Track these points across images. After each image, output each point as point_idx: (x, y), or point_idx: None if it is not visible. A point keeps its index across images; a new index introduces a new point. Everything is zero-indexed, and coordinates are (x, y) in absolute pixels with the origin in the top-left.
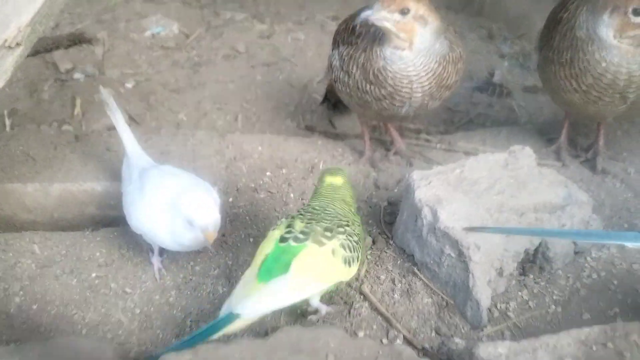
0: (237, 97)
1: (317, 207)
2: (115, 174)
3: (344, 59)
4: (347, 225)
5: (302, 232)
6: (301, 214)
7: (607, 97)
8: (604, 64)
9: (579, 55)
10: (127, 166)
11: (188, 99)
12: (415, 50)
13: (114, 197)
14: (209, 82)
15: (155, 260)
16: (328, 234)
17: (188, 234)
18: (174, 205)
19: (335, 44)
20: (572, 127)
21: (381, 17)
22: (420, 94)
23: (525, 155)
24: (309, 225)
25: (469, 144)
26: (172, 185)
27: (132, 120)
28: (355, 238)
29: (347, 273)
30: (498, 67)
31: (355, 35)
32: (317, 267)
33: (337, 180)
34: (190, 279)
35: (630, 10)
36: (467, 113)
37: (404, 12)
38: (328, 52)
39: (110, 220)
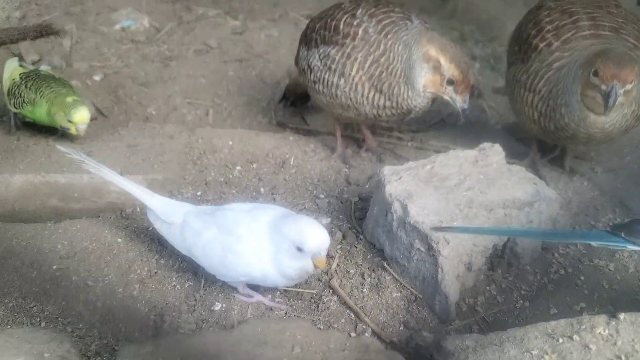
0: (208, 92)
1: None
2: (79, 167)
3: (334, 59)
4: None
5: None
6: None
7: (565, 140)
8: (566, 119)
9: (552, 93)
10: (167, 224)
11: (158, 93)
12: None
13: (78, 190)
14: (179, 77)
15: (261, 298)
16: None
17: (294, 263)
18: (277, 234)
19: (312, 43)
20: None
21: None
22: (421, 112)
23: (494, 152)
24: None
25: (440, 143)
26: (265, 218)
27: (100, 114)
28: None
29: (6, 100)
30: (470, 68)
31: (342, 35)
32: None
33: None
34: (156, 273)
35: (592, 71)
36: (439, 112)
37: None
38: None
39: (74, 212)
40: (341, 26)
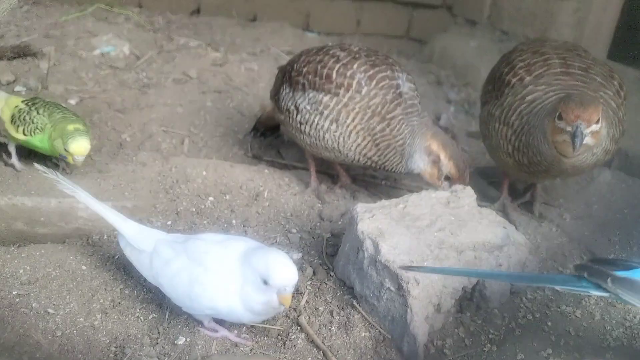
0: (184, 121)
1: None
2: (48, 190)
3: (328, 105)
4: (36, 111)
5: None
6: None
7: (539, 174)
8: (539, 157)
9: (524, 130)
10: (138, 251)
11: (133, 120)
12: None
13: (45, 214)
14: (156, 105)
15: (227, 333)
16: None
17: (259, 297)
18: (245, 265)
19: (298, 86)
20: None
21: None
22: None
23: (466, 194)
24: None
25: (413, 182)
26: (237, 250)
27: None
28: (33, 121)
29: (10, 129)
30: (445, 111)
31: (335, 85)
32: None
33: None
34: (119, 303)
35: (556, 115)
36: None
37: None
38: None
39: (39, 237)
40: (334, 75)
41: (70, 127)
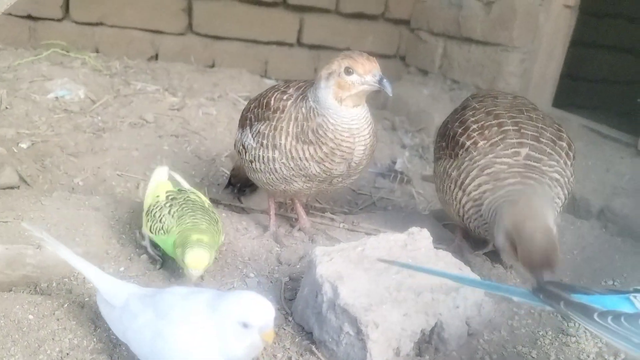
0: (140, 165)
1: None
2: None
3: (264, 134)
4: (168, 210)
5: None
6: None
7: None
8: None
9: (480, 212)
10: (111, 307)
11: (87, 164)
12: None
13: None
14: (111, 149)
15: None
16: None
17: (241, 342)
18: (217, 315)
19: (246, 122)
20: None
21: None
22: (362, 148)
23: (423, 237)
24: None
25: (371, 225)
26: (201, 299)
27: (23, 182)
28: (161, 220)
29: (143, 219)
30: (400, 156)
31: (272, 110)
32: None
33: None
34: (67, 354)
35: (514, 250)
36: (370, 196)
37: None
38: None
39: None
40: (272, 102)
41: (194, 237)
